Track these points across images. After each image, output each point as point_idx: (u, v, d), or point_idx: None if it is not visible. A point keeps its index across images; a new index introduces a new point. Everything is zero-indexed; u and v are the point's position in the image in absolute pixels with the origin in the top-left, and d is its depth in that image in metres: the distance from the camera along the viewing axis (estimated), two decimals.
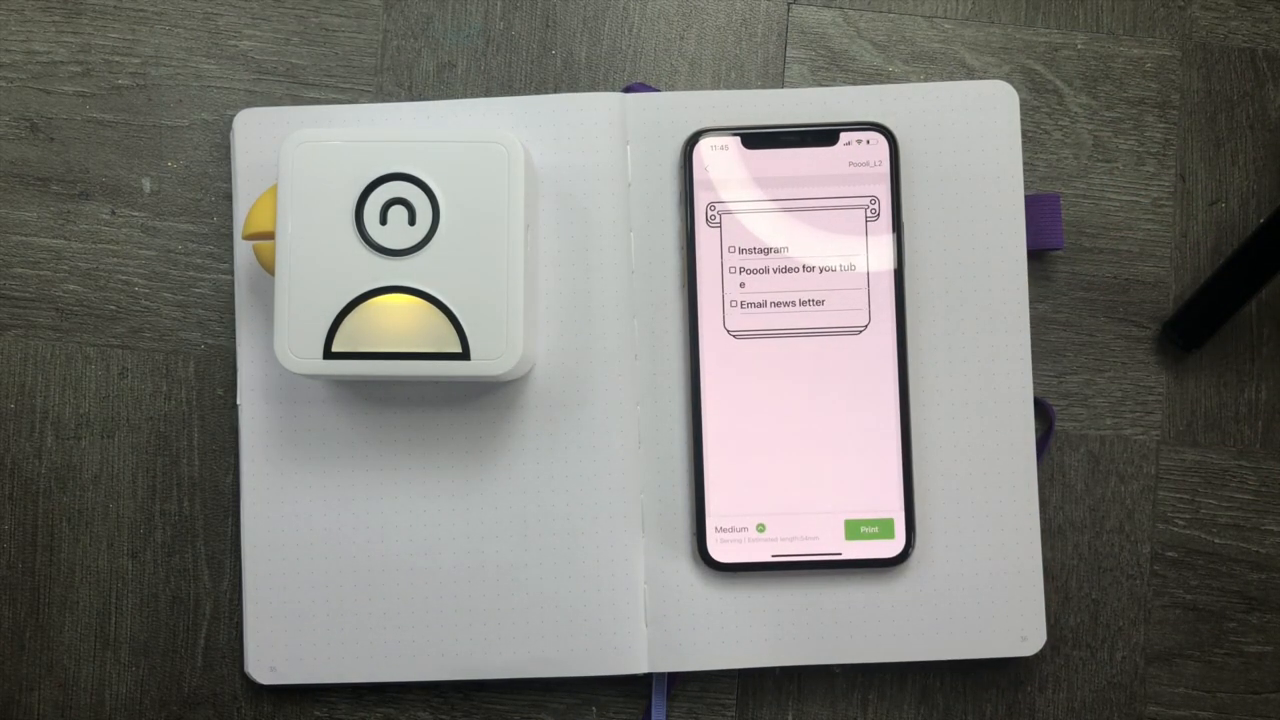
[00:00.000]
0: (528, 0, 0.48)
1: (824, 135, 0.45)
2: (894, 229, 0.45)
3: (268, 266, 0.43)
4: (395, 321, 0.41)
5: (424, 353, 0.41)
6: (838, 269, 0.45)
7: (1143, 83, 0.48)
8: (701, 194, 0.45)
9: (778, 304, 0.45)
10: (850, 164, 0.45)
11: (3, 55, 0.47)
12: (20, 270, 0.47)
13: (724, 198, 0.45)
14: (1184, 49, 0.48)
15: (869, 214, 0.45)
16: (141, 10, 0.47)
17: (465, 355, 0.41)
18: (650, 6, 0.48)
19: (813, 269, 0.45)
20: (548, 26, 0.48)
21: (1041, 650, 0.45)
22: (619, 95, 0.46)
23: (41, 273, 0.47)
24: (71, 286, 0.47)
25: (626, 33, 0.48)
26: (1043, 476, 0.46)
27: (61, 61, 0.47)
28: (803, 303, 0.45)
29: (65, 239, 0.47)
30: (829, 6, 0.48)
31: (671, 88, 0.47)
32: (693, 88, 0.47)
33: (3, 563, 0.46)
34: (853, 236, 0.45)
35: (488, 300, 0.41)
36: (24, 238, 0.47)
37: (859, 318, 0.45)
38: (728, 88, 0.47)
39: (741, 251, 0.45)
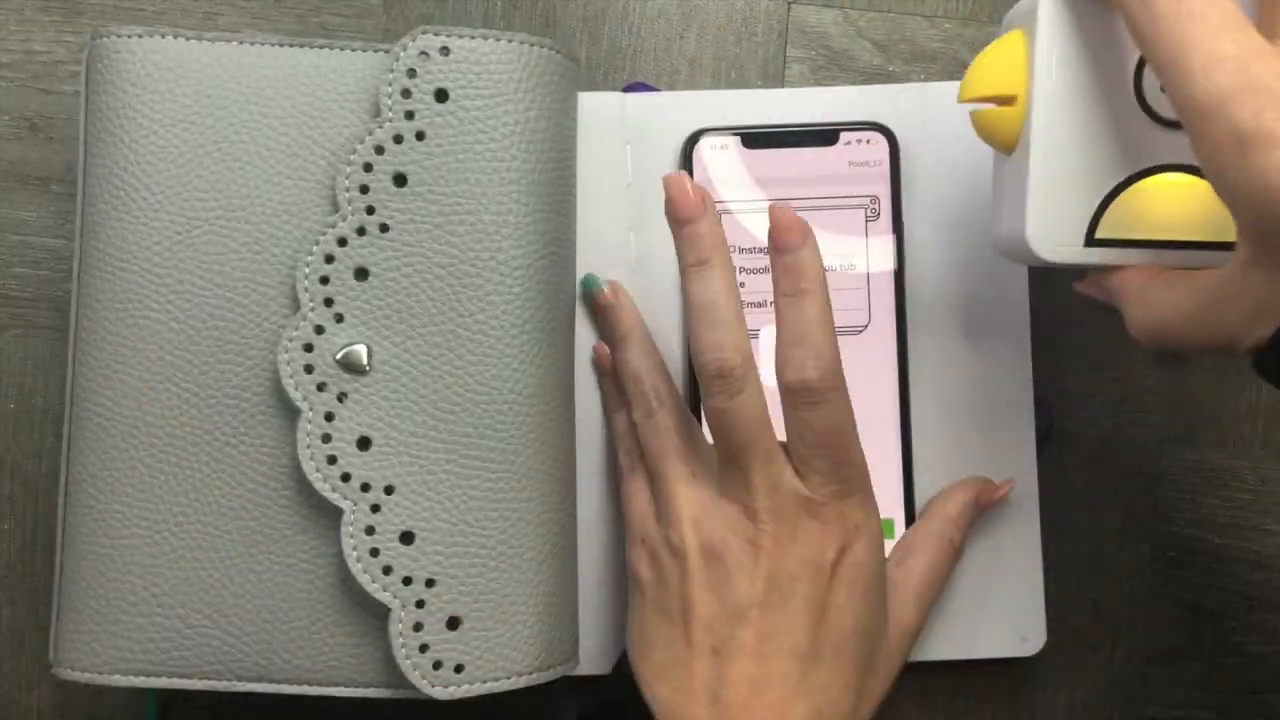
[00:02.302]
0: (527, 0, 0.48)
1: (824, 135, 0.45)
2: (894, 229, 0.45)
3: (997, 136, 0.37)
4: (1175, 206, 0.35)
5: (1208, 242, 0.35)
6: (838, 269, 0.45)
7: None
8: None
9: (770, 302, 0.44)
10: (850, 164, 0.45)
11: (2, 55, 0.47)
12: (20, 270, 0.47)
13: (724, 197, 0.45)
14: None
15: (869, 214, 0.44)
16: (141, 9, 0.47)
17: None
18: (650, 6, 0.48)
19: None
20: (547, 26, 0.48)
21: (1042, 650, 0.45)
22: (618, 95, 0.46)
23: (41, 273, 0.47)
24: (71, 286, 0.47)
25: (626, 32, 0.48)
26: (1043, 476, 0.46)
27: (61, 61, 0.47)
28: None
29: (65, 239, 0.47)
30: (829, 6, 0.48)
31: (671, 87, 0.47)
32: (692, 87, 0.47)
33: (2, 562, 0.46)
34: (853, 236, 0.45)
35: None
36: (24, 238, 0.47)
37: (859, 317, 0.44)
38: (728, 87, 0.47)
39: (742, 251, 0.45)
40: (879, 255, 0.45)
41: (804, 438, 0.37)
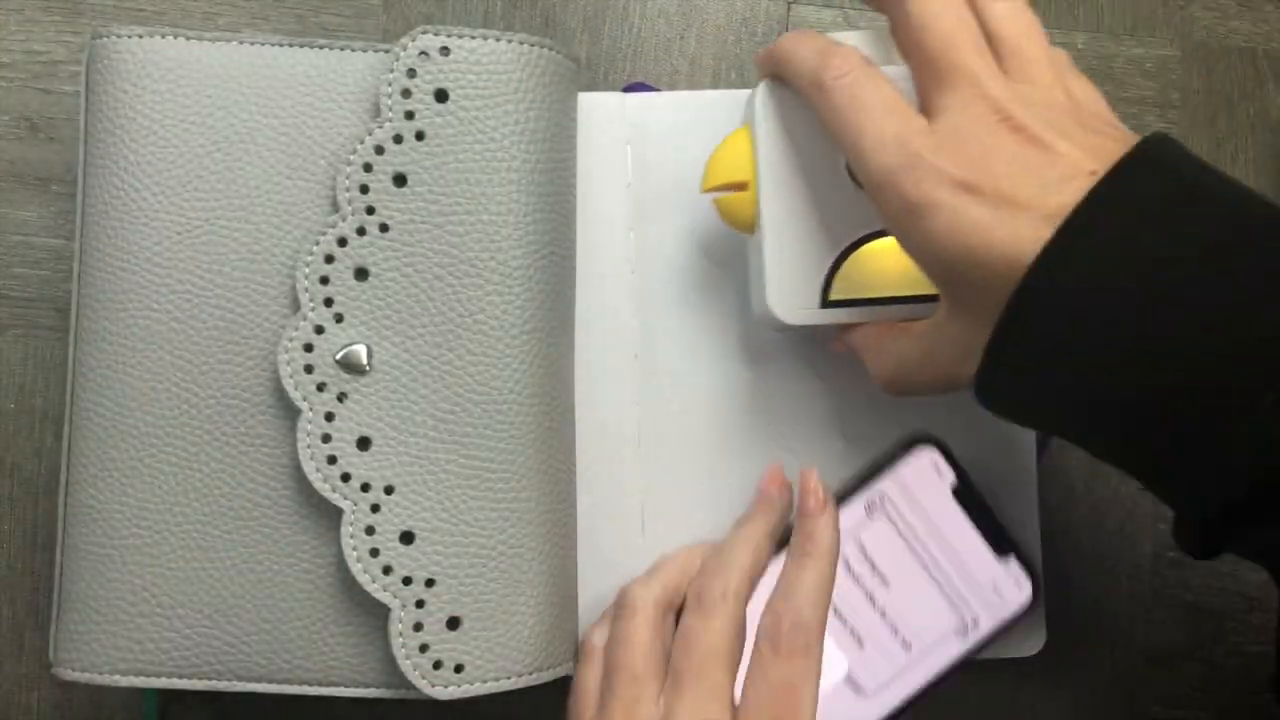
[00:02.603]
0: (527, 0, 0.48)
1: (1003, 544, 0.43)
2: (965, 659, 0.42)
3: (738, 219, 0.41)
4: (893, 265, 0.39)
5: (924, 295, 0.39)
6: (899, 638, 0.42)
7: (1143, 82, 0.48)
8: (887, 485, 0.43)
9: (835, 609, 0.42)
10: (994, 586, 0.43)
11: (3, 55, 0.47)
12: (20, 270, 0.47)
13: (897, 503, 0.43)
14: (1184, 48, 0.48)
15: (960, 629, 0.42)
16: (141, 10, 0.47)
17: None
18: (650, 6, 0.48)
19: (885, 617, 0.42)
20: (547, 25, 0.48)
21: (1041, 650, 0.45)
22: (618, 95, 0.46)
23: (41, 273, 0.47)
24: (72, 286, 0.47)
25: (626, 32, 0.48)
26: (1043, 476, 0.46)
27: (61, 61, 0.47)
28: (851, 631, 0.42)
29: (65, 239, 0.47)
30: (829, 6, 0.48)
31: (672, 87, 0.47)
32: (693, 87, 0.47)
33: (2, 563, 0.46)
34: (934, 629, 0.42)
35: None
36: (24, 238, 0.47)
37: (869, 683, 0.42)
38: (728, 87, 0.47)
39: (861, 548, 0.43)
40: (935, 661, 0.42)
41: (757, 686, 0.38)
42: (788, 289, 0.40)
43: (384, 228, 0.39)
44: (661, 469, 0.45)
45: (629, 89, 0.46)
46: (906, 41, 0.35)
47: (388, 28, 0.47)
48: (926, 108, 0.34)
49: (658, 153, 0.45)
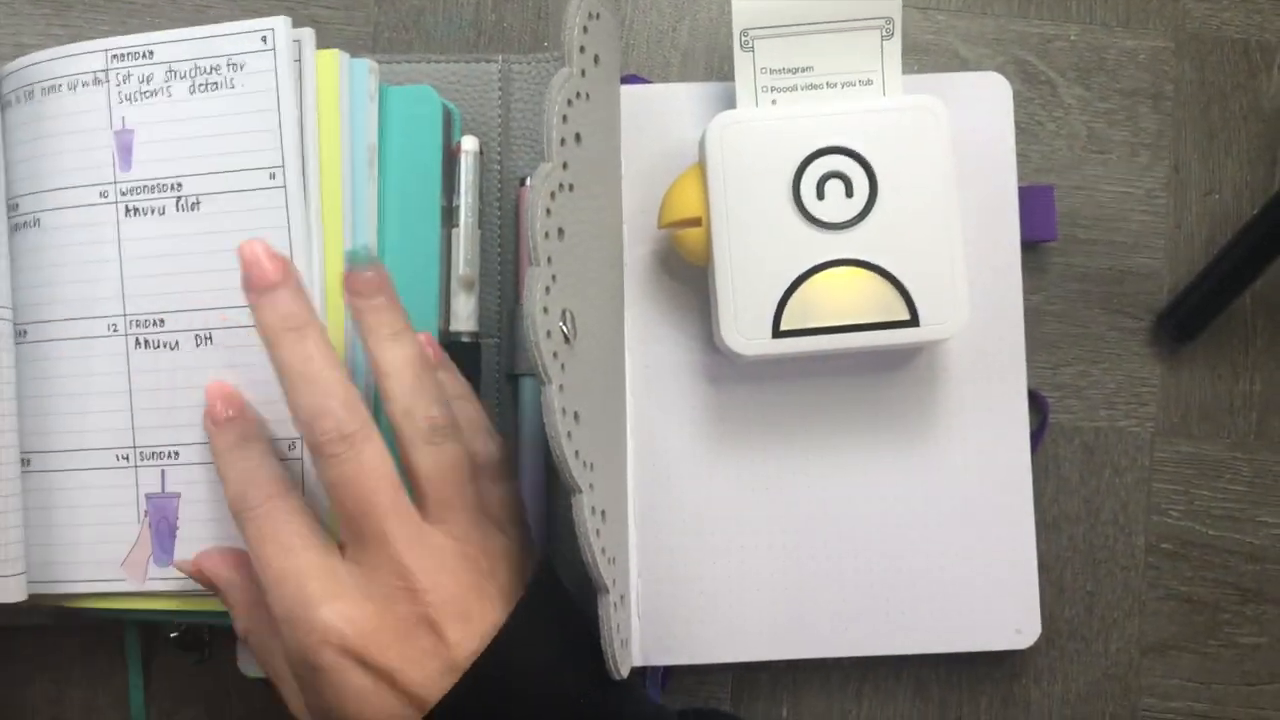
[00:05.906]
0: None
1: None
2: None
3: (693, 253, 0.42)
4: (842, 295, 0.41)
5: (873, 323, 0.41)
6: None
7: (1136, 74, 0.48)
8: None
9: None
10: None
11: None
12: None
13: None
14: (1177, 40, 0.48)
15: None
16: (132, 2, 0.47)
17: (914, 322, 0.41)
18: None
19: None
20: (539, 18, 0.47)
21: (1036, 643, 0.45)
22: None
23: None
24: None
25: (619, 24, 0.47)
26: (1037, 469, 0.46)
27: None
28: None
29: None
30: None
31: (664, 79, 0.47)
32: (685, 79, 0.47)
33: None
34: None
35: (931, 265, 0.41)
36: None
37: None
38: (720, 79, 0.47)
39: None
40: None
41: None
42: (741, 320, 0.41)
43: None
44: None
45: (621, 81, 0.46)
46: (328, 491, 0.34)
47: (378, 20, 0.47)
48: (346, 550, 0.35)
49: (649, 143, 0.45)
